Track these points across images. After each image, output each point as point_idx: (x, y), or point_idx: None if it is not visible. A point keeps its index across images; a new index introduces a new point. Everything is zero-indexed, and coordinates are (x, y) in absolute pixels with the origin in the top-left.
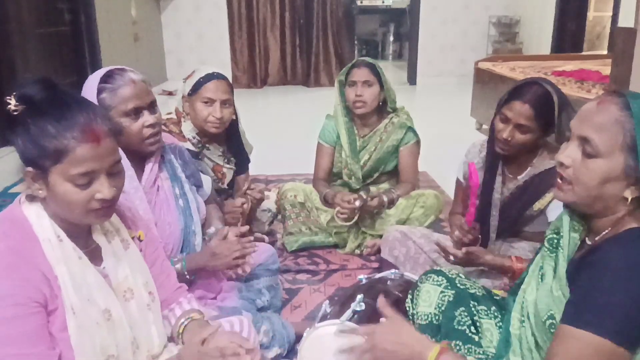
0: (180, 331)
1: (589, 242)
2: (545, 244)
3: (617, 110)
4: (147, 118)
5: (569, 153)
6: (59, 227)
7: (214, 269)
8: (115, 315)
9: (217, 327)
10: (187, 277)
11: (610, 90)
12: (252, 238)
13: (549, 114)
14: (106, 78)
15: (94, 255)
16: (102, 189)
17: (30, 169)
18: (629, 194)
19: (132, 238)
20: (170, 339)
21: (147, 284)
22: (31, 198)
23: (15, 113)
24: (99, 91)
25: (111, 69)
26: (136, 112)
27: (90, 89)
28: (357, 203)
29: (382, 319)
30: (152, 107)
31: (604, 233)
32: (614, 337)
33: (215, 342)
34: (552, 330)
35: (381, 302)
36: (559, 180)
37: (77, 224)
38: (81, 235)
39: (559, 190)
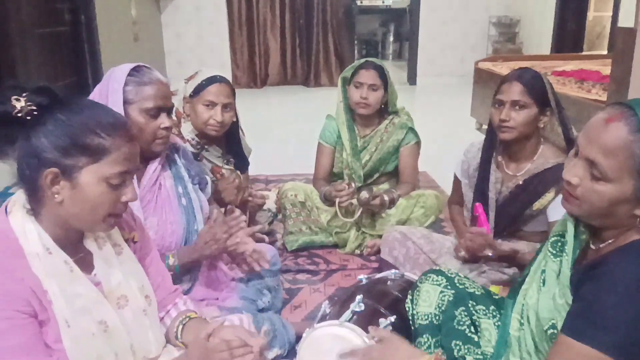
0: (179, 332)
1: (592, 247)
2: (549, 247)
3: (627, 134)
4: (164, 120)
5: (577, 172)
6: (49, 237)
7: (211, 259)
8: (112, 324)
9: (221, 321)
10: (180, 277)
11: (618, 102)
12: (238, 215)
13: (541, 89)
14: (134, 72)
15: (85, 262)
16: (128, 191)
17: (54, 169)
18: (639, 212)
19: (126, 240)
20: (168, 341)
21: (142, 287)
22: (22, 207)
23: (30, 108)
24: (125, 83)
25: (140, 65)
26: (156, 112)
27: (117, 80)
28: (353, 185)
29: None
30: (170, 111)
31: (609, 242)
32: (614, 352)
33: (220, 336)
34: (553, 339)
35: (372, 328)
36: (567, 193)
37: (73, 233)
38: (72, 243)
39: (567, 202)
